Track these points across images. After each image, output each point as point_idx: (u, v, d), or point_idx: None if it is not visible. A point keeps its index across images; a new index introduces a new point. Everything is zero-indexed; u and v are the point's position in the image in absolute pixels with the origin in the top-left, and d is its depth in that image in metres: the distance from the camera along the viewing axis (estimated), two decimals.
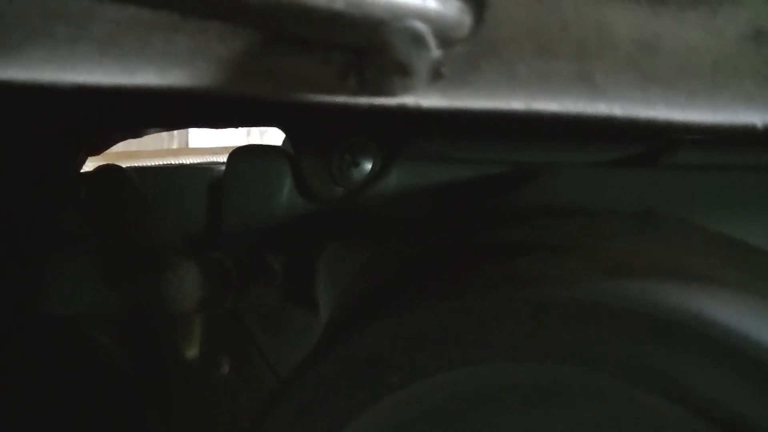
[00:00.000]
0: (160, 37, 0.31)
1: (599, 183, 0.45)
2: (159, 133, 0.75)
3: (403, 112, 0.29)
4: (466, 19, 0.29)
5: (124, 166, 0.63)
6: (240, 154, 0.57)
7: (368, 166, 0.52)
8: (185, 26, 0.31)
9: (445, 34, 0.29)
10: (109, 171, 0.62)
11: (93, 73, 0.31)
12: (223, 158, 0.59)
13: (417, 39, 0.28)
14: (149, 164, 0.68)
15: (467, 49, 0.30)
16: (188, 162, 0.71)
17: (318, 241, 0.54)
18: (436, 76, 0.29)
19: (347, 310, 0.41)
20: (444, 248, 0.41)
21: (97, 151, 0.66)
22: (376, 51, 0.29)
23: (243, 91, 0.31)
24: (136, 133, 0.67)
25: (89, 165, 0.65)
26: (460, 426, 0.34)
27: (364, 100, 0.30)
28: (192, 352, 0.57)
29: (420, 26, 0.28)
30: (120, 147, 0.74)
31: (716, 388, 0.29)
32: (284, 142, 0.59)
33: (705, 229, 0.38)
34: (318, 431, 0.33)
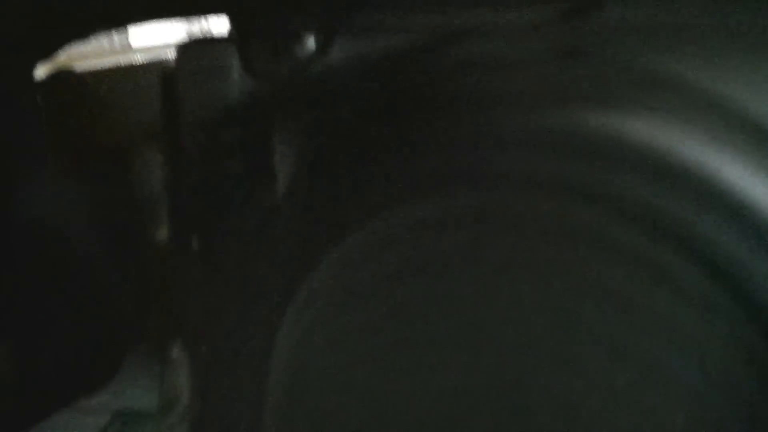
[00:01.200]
0: None
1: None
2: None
3: None
4: None
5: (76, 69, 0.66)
6: (188, 46, 0.60)
7: (311, 41, 0.55)
8: None
9: None
10: (63, 76, 0.65)
11: None
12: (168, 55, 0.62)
13: None
14: (100, 64, 0.71)
15: None
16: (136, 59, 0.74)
17: (271, 117, 0.58)
18: None
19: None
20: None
21: (45, 56, 0.68)
22: None
23: None
24: (83, 36, 0.69)
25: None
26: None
27: None
28: (161, 233, 0.61)
29: None
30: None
31: None
32: (229, 32, 0.62)
33: None
34: None
